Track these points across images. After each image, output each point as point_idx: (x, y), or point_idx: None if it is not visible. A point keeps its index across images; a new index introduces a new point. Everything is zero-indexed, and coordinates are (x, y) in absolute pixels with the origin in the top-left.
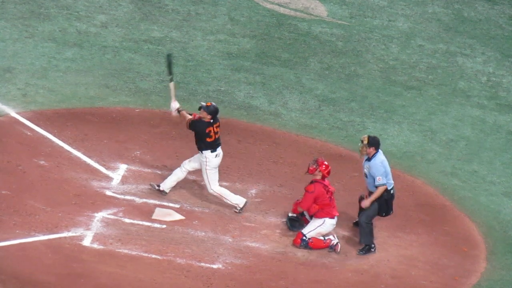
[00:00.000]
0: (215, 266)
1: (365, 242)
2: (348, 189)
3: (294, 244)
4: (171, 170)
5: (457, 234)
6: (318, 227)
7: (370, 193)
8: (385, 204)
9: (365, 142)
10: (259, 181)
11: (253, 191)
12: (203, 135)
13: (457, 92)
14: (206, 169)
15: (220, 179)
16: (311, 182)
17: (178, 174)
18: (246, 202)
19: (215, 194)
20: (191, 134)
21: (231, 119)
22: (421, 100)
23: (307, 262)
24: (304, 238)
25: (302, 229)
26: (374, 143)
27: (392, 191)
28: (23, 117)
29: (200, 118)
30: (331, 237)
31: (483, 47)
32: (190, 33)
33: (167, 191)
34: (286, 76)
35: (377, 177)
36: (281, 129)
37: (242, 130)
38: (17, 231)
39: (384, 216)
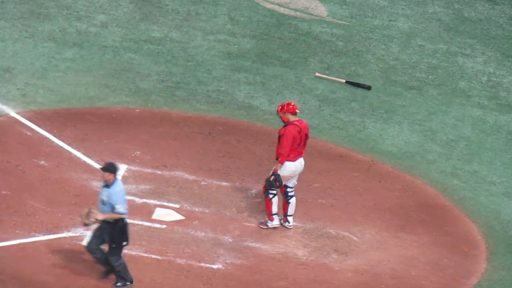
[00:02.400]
0: (215, 266)
1: (122, 283)
2: (348, 189)
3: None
4: (171, 170)
5: (457, 234)
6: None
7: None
8: (121, 233)
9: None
10: (259, 181)
11: (253, 191)
12: None
13: (458, 92)
14: None
15: (220, 179)
16: (284, 126)
17: None
18: None
19: None
20: (191, 134)
21: (231, 119)
22: (421, 100)
23: (307, 262)
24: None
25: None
26: (112, 169)
27: (125, 220)
28: (23, 117)
29: None
30: (277, 218)
31: (484, 47)
32: (190, 33)
33: None
34: (286, 76)
35: (118, 205)
36: None
37: (242, 130)
38: (17, 231)
39: (126, 245)
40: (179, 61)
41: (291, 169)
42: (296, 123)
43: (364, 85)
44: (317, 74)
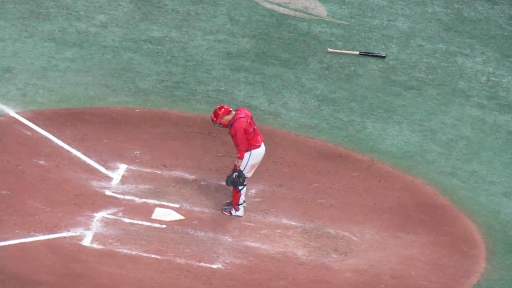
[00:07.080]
0: (214, 266)
1: None
2: (347, 189)
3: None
4: (170, 170)
5: (457, 234)
6: (249, 161)
7: None
8: None
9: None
10: (259, 181)
11: (253, 191)
12: None
13: (457, 92)
14: None
15: (220, 179)
16: (230, 126)
17: None
18: None
19: None
20: (191, 134)
21: None
22: (421, 100)
23: (307, 262)
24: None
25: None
26: None
27: None
28: (23, 117)
29: None
30: (242, 207)
31: (483, 47)
32: (190, 33)
33: None
34: (286, 76)
35: None
36: (280, 129)
37: None
38: (17, 231)
39: None
40: (178, 61)
41: (259, 155)
42: (239, 116)
43: (378, 54)
44: (329, 49)
